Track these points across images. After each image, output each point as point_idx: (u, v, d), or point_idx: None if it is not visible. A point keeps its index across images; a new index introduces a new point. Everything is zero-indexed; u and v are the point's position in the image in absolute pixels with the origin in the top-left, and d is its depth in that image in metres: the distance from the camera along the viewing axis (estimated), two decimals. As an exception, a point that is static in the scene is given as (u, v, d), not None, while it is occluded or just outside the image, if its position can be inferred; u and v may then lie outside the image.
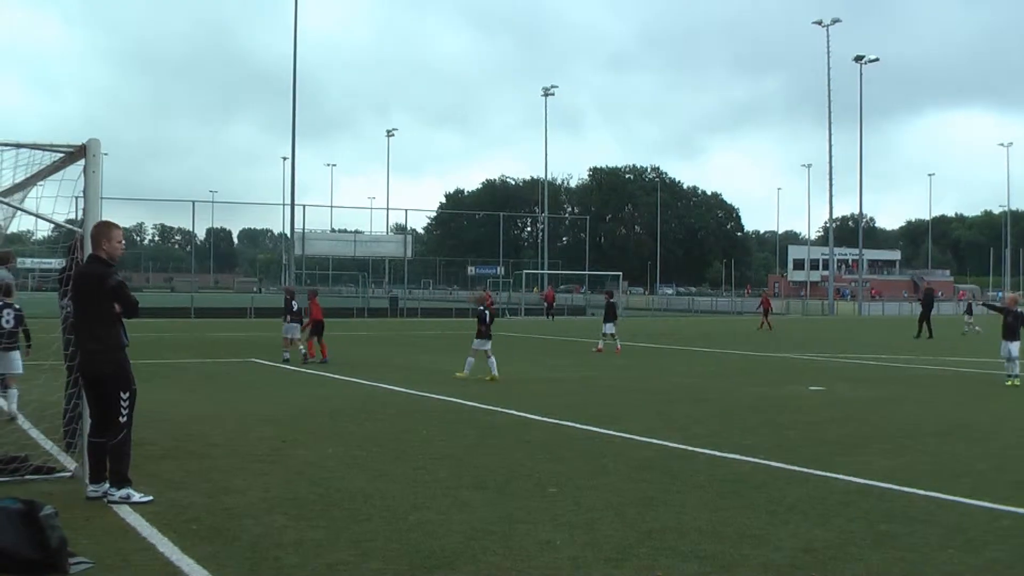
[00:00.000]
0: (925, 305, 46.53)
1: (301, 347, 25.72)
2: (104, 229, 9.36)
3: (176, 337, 24.37)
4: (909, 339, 41.84)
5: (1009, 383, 20.82)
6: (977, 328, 47.58)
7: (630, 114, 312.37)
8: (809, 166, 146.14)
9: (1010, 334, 21.09)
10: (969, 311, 51.19)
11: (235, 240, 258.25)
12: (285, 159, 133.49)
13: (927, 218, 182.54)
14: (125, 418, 9.12)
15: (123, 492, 9.03)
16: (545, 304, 67.37)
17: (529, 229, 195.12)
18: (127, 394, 9.17)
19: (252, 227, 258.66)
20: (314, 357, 25.28)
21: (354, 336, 23.93)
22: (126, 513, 8.63)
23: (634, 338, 37.79)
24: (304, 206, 73.27)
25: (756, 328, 50.42)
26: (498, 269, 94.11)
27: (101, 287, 9.09)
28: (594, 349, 29.55)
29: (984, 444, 13.68)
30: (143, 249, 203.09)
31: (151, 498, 9.08)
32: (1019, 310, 21.25)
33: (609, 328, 30.32)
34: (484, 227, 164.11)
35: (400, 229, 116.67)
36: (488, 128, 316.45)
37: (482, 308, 22.18)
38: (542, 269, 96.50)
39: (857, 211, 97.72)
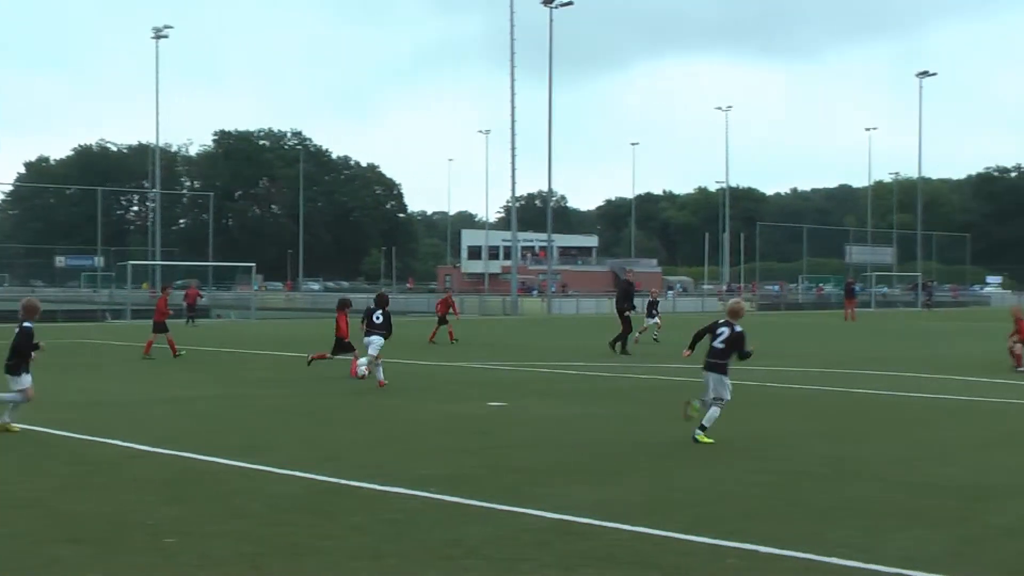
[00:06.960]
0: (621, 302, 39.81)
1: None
2: None
3: None
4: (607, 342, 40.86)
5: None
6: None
7: (281, 62, 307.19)
8: (488, 132, 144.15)
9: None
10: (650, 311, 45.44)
11: None
12: None
13: (630, 196, 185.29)
14: None
15: None
16: (186, 305, 65.71)
17: (137, 208, 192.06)
18: None
19: None
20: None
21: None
22: None
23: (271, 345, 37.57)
24: None
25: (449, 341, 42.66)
26: (96, 260, 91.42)
27: None
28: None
29: (709, 470, 14.19)
30: None
31: None
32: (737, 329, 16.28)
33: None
34: (78, 206, 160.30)
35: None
36: (88, 74, 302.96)
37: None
38: (154, 260, 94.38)
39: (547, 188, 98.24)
